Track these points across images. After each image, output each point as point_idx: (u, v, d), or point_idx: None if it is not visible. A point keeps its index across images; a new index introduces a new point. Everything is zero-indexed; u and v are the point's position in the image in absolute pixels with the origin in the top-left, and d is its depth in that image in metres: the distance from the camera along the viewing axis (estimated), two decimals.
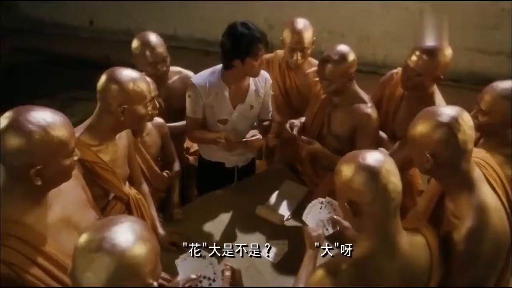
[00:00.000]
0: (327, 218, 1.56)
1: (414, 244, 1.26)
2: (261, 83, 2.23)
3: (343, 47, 2.02)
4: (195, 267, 1.37)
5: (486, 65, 4.58)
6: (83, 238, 0.96)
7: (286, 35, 2.35)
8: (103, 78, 1.60)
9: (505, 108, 1.59)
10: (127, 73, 1.61)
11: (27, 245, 1.17)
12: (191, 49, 5.55)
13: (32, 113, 1.16)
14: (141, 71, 2.18)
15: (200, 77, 2.15)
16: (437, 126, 1.29)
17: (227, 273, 1.30)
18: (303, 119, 2.34)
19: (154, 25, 5.53)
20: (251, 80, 2.19)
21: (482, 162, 1.48)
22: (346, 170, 1.19)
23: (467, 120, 1.31)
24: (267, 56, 2.55)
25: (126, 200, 1.79)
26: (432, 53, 1.93)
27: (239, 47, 1.96)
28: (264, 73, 2.25)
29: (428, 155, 1.31)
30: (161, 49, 2.22)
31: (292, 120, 2.25)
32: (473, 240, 1.28)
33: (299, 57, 2.37)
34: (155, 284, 0.98)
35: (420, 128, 1.33)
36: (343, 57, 1.99)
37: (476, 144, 1.71)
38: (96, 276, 0.91)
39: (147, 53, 2.19)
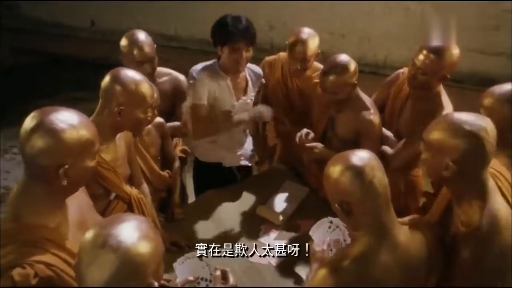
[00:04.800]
0: (333, 240, 1.55)
1: (411, 237, 1.27)
2: (253, 78, 2.31)
3: (343, 57, 2.01)
4: (192, 269, 1.39)
5: (487, 66, 4.58)
6: (90, 233, 0.97)
7: (290, 42, 2.31)
8: (107, 77, 1.60)
9: (508, 112, 1.56)
10: (132, 75, 1.61)
11: (59, 247, 1.19)
12: (191, 49, 5.54)
13: (60, 113, 1.16)
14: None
15: (198, 67, 2.18)
16: (465, 135, 1.23)
17: (217, 273, 1.30)
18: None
19: (154, 26, 5.56)
20: (247, 75, 2.24)
21: (496, 173, 1.43)
22: (333, 173, 1.24)
23: (493, 130, 1.26)
24: (270, 58, 2.55)
25: (127, 200, 1.78)
26: (439, 52, 1.93)
27: (219, 34, 2.05)
28: (257, 69, 2.33)
29: (450, 162, 1.25)
30: (148, 48, 2.18)
31: (305, 130, 2.20)
32: (478, 250, 1.25)
33: (298, 67, 2.33)
34: (156, 284, 0.98)
35: (443, 134, 1.26)
36: (344, 67, 1.98)
37: None
38: (100, 271, 0.92)
39: (135, 52, 2.16)
